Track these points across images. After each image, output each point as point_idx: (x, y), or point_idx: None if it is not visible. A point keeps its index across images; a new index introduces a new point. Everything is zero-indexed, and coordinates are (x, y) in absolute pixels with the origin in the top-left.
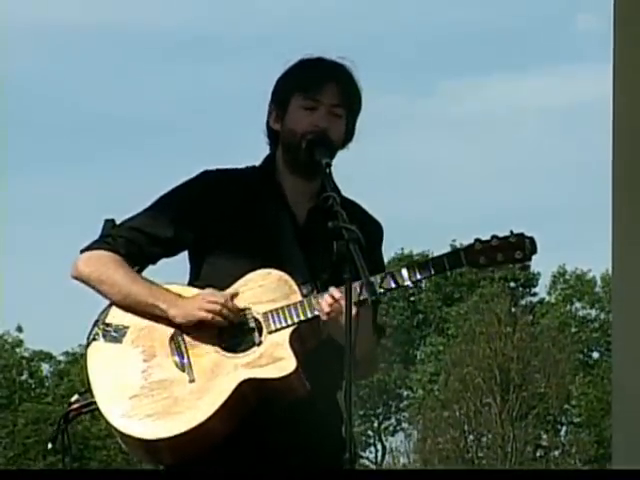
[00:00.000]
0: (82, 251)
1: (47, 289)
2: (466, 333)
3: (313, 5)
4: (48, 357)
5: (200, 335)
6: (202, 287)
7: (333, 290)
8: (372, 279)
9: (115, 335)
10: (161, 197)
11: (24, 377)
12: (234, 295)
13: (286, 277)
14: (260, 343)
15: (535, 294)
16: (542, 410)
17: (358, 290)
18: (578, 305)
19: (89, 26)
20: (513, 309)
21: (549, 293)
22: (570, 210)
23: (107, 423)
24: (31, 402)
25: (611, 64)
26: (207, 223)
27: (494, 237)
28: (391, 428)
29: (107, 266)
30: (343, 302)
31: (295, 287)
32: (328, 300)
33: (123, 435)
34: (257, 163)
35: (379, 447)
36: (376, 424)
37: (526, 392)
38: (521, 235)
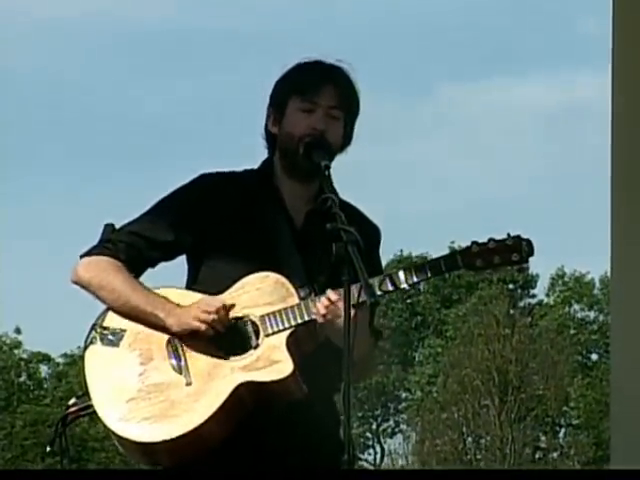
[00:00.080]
0: (82, 256)
1: (45, 290)
2: (464, 335)
3: (312, 7)
4: (46, 359)
5: (197, 340)
6: (200, 290)
7: (330, 292)
8: (370, 281)
9: (112, 339)
10: (160, 201)
11: (22, 379)
12: (230, 306)
13: (283, 280)
14: (257, 346)
15: (534, 296)
16: (541, 412)
17: (356, 292)
18: (577, 307)
19: (89, 27)
20: (511, 311)
21: (548, 295)
22: (569, 212)
23: (104, 426)
24: (29, 404)
25: (610, 66)
26: (205, 226)
27: (491, 240)
28: (389, 430)
29: (107, 272)
30: (340, 304)
31: (292, 290)
32: (324, 302)
33: (120, 438)
34: (255, 167)
35: (377, 449)
36: (374, 426)
37: (524, 394)
38: (518, 237)
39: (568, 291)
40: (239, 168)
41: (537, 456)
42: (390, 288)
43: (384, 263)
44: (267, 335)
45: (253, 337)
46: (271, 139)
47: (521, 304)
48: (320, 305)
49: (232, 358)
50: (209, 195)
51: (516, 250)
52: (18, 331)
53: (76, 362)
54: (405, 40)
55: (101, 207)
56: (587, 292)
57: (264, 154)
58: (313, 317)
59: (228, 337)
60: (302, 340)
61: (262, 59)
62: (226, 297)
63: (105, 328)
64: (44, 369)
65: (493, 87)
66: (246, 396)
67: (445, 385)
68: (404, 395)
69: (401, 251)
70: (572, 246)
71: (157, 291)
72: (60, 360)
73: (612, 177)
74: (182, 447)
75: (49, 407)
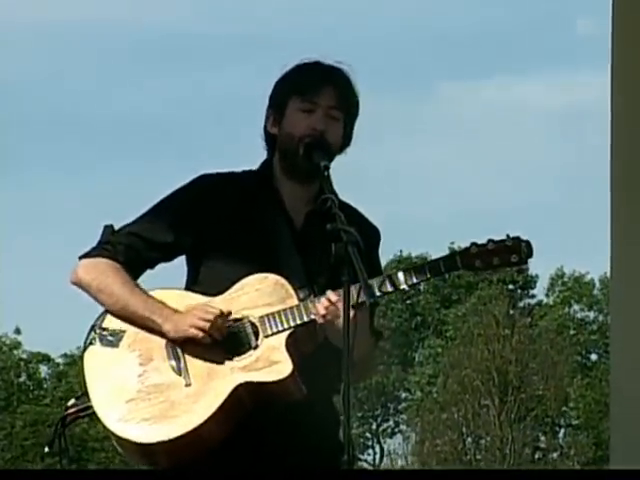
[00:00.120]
0: (81, 257)
1: (45, 291)
2: (464, 335)
3: (311, 8)
4: (46, 359)
5: (194, 345)
6: (200, 291)
7: (330, 293)
8: (370, 282)
9: (111, 339)
10: (159, 202)
11: (22, 379)
12: (228, 312)
13: (283, 281)
14: (256, 347)
15: (533, 296)
16: (540, 412)
17: (355, 293)
18: (576, 307)
19: (89, 28)
20: (511, 311)
21: (547, 295)
22: (568, 212)
23: (104, 427)
24: (29, 404)
25: (609, 66)
26: (205, 227)
27: (490, 241)
28: (389, 430)
29: (106, 275)
30: (340, 305)
31: (292, 291)
32: (324, 303)
33: (120, 439)
34: (254, 168)
35: (377, 449)
36: (374, 426)
37: (524, 394)
38: (517, 239)
39: (568, 291)
40: (238, 169)
41: (537, 456)
42: (390, 289)
43: (384, 264)
44: (266, 336)
45: (252, 338)
46: (270, 140)
47: (521, 304)
48: (320, 306)
49: (231, 359)
50: (208, 196)
51: (515, 251)
52: (18, 331)
53: (76, 362)
54: (405, 40)
55: (101, 208)
56: (587, 292)
57: (263, 155)
58: (312, 318)
59: (227, 338)
60: (301, 341)
61: (262, 60)
62: (225, 298)
63: (104, 329)
64: (44, 369)
65: (493, 87)
66: (245, 397)
67: (445, 385)
68: (404, 395)
69: (400, 251)
70: (572, 246)
71: (156, 292)
72: (60, 360)
73: (612, 177)
74: (181, 448)
75: (49, 407)
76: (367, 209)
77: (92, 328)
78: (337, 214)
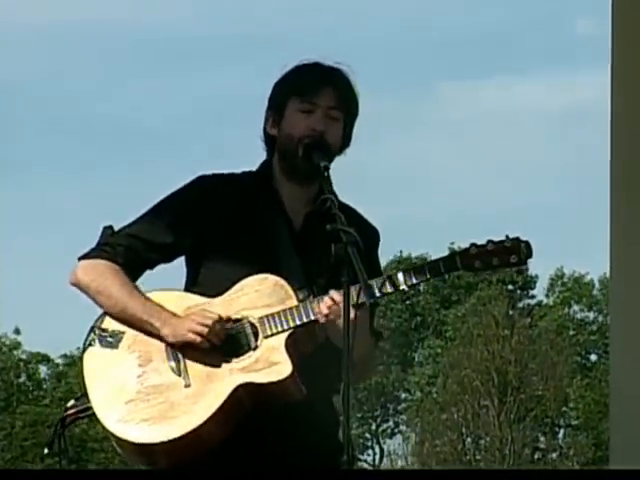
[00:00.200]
0: (80, 258)
1: (45, 291)
2: (464, 336)
3: (311, 8)
4: (46, 359)
5: (193, 349)
6: (199, 292)
7: (333, 293)
8: (370, 282)
9: (111, 340)
10: (158, 203)
11: (22, 379)
12: (227, 318)
13: (282, 282)
14: (256, 347)
15: (533, 297)
16: (540, 412)
17: (355, 293)
18: (576, 308)
19: (88, 29)
20: (511, 312)
21: (547, 296)
22: (568, 212)
23: (103, 428)
24: (29, 404)
25: (609, 66)
26: (204, 228)
27: (489, 241)
28: (389, 431)
29: (105, 277)
30: (342, 305)
31: (291, 292)
32: (328, 302)
33: (119, 440)
34: (254, 169)
35: (377, 450)
36: (374, 426)
37: (524, 394)
38: (516, 239)
39: (567, 292)
40: (238, 170)
41: (536, 457)
42: (389, 289)
43: (384, 264)
44: (266, 337)
45: (252, 339)
46: (270, 141)
47: (520, 305)
48: (323, 305)
49: (231, 360)
50: (207, 197)
51: (515, 252)
52: (17, 332)
53: (75, 363)
54: (405, 40)
55: (101, 208)
56: (586, 293)
57: (263, 156)
58: (313, 318)
59: (227, 339)
60: (301, 341)
61: (261, 61)
62: (225, 299)
63: (104, 330)
64: (43, 370)
65: (493, 87)
66: (245, 397)
67: (444, 386)
68: (403, 396)
69: (400, 252)
70: (571, 247)
71: (156, 293)
72: (59, 361)
73: (611, 177)
74: (181, 448)
75: (48, 408)
76: (367, 210)
77: (91, 329)
78: (337, 214)
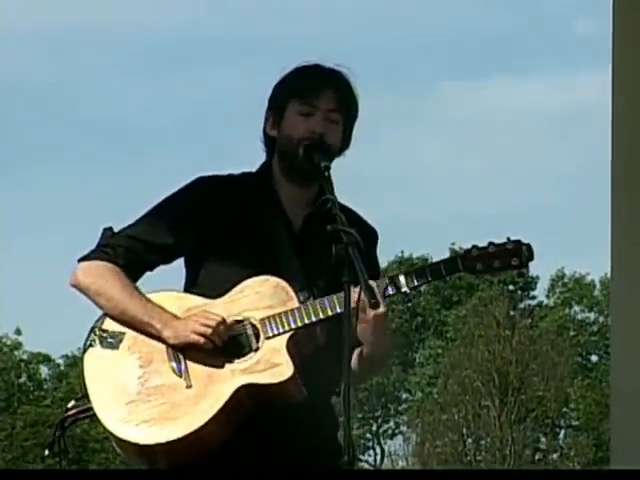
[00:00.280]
0: (80, 260)
1: (46, 291)
2: (465, 336)
3: (311, 9)
4: (47, 360)
5: (194, 350)
6: (199, 294)
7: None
8: (371, 283)
9: (111, 341)
10: (157, 204)
11: (23, 380)
12: (230, 322)
13: (283, 284)
14: (257, 349)
15: (534, 297)
16: (541, 413)
17: (355, 294)
18: (577, 308)
19: (88, 29)
20: (512, 312)
21: (548, 296)
22: (569, 213)
23: (104, 429)
24: (29, 405)
25: (610, 66)
26: (204, 229)
27: (491, 244)
28: (390, 431)
29: (105, 279)
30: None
31: (292, 294)
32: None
33: (120, 440)
34: (253, 170)
35: (378, 450)
36: (375, 427)
37: (525, 395)
38: (518, 242)
39: (568, 292)
40: (238, 170)
41: (537, 457)
42: (391, 291)
43: (384, 264)
44: (267, 338)
45: (253, 340)
46: (270, 142)
47: (521, 305)
48: (355, 294)
49: (232, 361)
50: (207, 198)
51: (516, 254)
52: (18, 332)
53: (76, 363)
54: (405, 40)
55: (102, 209)
56: (587, 293)
57: (262, 157)
58: (314, 319)
59: (228, 340)
60: (302, 343)
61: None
62: (225, 300)
63: (104, 331)
64: (44, 370)
65: (493, 87)
66: (246, 399)
67: (445, 386)
68: (404, 396)
69: (402, 252)
70: (572, 247)
71: (156, 294)
72: (60, 361)
73: (612, 177)
74: (181, 450)
75: (49, 408)
76: (367, 210)
77: (92, 330)
78: (338, 215)
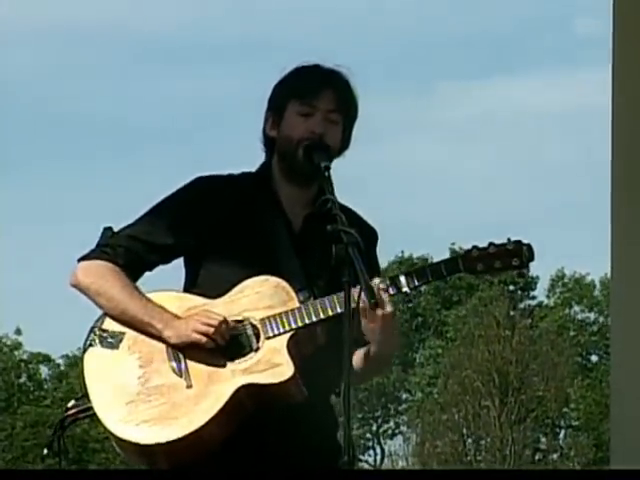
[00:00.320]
0: (80, 260)
1: (46, 291)
2: (465, 336)
3: (311, 9)
4: (47, 360)
5: (196, 350)
6: (199, 294)
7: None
8: (371, 283)
9: (111, 341)
10: (157, 204)
11: (23, 380)
12: (228, 322)
13: (283, 284)
14: (258, 349)
15: (534, 297)
16: (541, 413)
17: (356, 294)
18: (577, 308)
19: (88, 30)
20: (512, 312)
21: (548, 296)
22: (569, 213)
23: (104, 429)
24: (30, 405)
25: (610, 66)
26: (203, 229)
27: (491, 244)
28: (390, 431)
29: (105, 279)
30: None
31: (292, 294)
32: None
33: (120, 440)
34: (253, 170)
35: (378, 450)
36: (375, 427)
37: (525, 395)
38: (518, 242)
39: (568, 292)
40: (237, 170)
41: (537, 457)
42: (392, 291)
43: (385, 265)
44: (268, 338)
45: (254, 340)
46: (269, 143)
47: (521, 305)
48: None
49: (233, 361)
50: (206, 198)
51: (516, 255)
52: (18, 332)
53: (77, 363)
54: (405, 41)
55: (102, 209)
56: (587, 293)
57: (262, 157)
58: (315, 319)
59: (229, 340)
60: (302, 343)
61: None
62: (225, 300)
63: (104, 330)
64: (44, 370)
65: (493, 88)
66: (246, 399)
67: (445, 386)
68: (404, 396)
69: (402, 252)
70: (572, 247)
71: (155, 294)
72: (60, 361)
73: (612, 178)
74: (182, 450)
75: (49, 408)
76: (368, 210)
77: (92, 330)
78: (338, 215)
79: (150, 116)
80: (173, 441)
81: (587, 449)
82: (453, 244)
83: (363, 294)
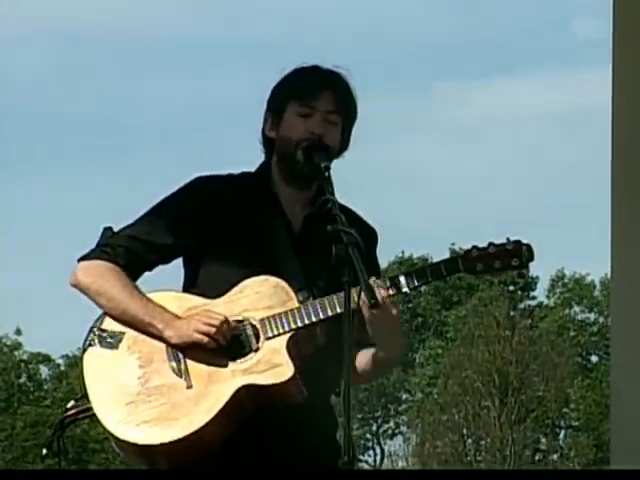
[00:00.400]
0: (80, 259)
1: (46, 291)
2: (465, 336)
3: (311, 10)
4: (47, 360)
5: (196, 350)
6: (198, 294)
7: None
8: (371, 284)
9: (111, 341)
10: (157, 204)
11: (23, 380)
12: (228, 322)
13: (283, 284)
14: (257, 349)
15: (534, 298)
16: (541, 413)
17: (356, 295)
18: (577, 309)
19: (88, 30)
20: (512, 313)
21: (548, 297)
22: (569, 213)
23: (104, 429)
24: (30, 405)
25: (610, 66)
26: (203, 229)
27: (491, 244)
28: (390, 431)
29: (105, 278)
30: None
31: (292, 294)
32: (385, 292)
33: (120, 441)
34: (252, 170)
35: (378, 450)
36: (375, 427)
37: (525, 395)
38: (518, 242)
39: (568, 293)
40: (237, 170)
41: (537, 457)
42: (391, 292)
43: (386, 265)
44: (267, 338)
45: (253, 340)
46: (268, 144)
47: (521, 306)
48: (383, 291)
49: (233, 361)
50: (206, 198)
51: (516, 255)
52: (18, 332)
53: (77, 363)
54: (405, 41)
55: (102, 208)
56: (587, 294)
57: (261, 157)
58: (314, 320)
59: (229, 340)
60: (302, 343)
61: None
62: (225, 300)
63: (104, 330)
64: (44, 370)
65: (494, 88)
66: (246, 399)
67: (445, 387)
68: (404, 397)
69: (402, 253)
70: (572, 248)
71: (154, 294)
72: (60, 361)
73: (612, 178)
74: (182, 450)
75: (49, 408)
76: (368, 211)
77: (91, 329)
78: (338, 215)
79: (150, 116)
80: (174, 442)
81: (587, 449)
82: (453, 244)
83: (363, 294)
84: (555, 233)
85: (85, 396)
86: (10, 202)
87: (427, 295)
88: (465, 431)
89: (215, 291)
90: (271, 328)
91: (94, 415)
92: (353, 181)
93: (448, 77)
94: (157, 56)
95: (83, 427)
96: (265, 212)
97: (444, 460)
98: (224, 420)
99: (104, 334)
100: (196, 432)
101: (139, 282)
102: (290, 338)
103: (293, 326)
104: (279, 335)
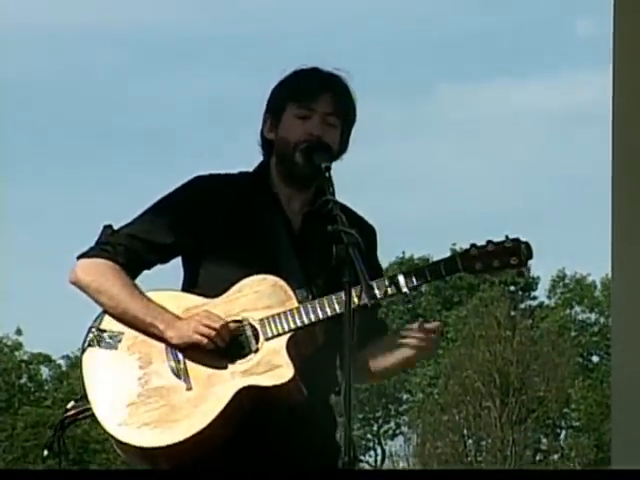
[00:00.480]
0: (79, 257)
1: (46, 292)
2: (465, 337)
3: (311, 10)
4: (47, 360)
5: (196, 350)
6: (197, 293)
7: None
8: (371, 284)
9: (110, 341)
10: (156, 203)
11: (23, 380)
12: (228, 322)
13: (282, 283)
14: (257, 350)
15: (535, 298)
16: (541, 414)
17: (356, 295)
18: (578, 309)
19: (88, 30)
20: (513, 313)
21: (549, 297)
22: (570, 214)
23: (104, 431)
24: (30, 405)
25: (610, 67)
26: (202, 228)
27: (490, 242)
28: (390, 432)
29: (105, 277)
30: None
31: (291, 293)
32: (430, 326)
33: (120, 443)
34: (250, 169)
35: (378, 451)
36: (375, 428)
37: (525, 396)
38: (517, 240)
39: (569, 293)
40: (236, 170)
41: (538, 458)
42: (391, 291)
43: (386, 265)
44: (267, 339)
45: (253, 341)
46: (267, 145)
47: (522, 306)
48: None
49: (232, 362)
50: (205, 197)
51: (515, 253)
52: (19, 332)
53: (77, 364)
54: (406, 42)
55: (102, 208)
56: (588, 294)
57: (260, 157)
58: (314, 320)
59: (228, 341)
60: (302, 343)
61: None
62: (224, 300)
63: (102, 331)
64: (45, 371)
65: (494, 89)
66: (247, 400)
67: (446, 387)
68: (405, 397)
69: (403, 253)
70: (573, 248)
71: (153, 294)
72: (61, 362)
73: (613, 178)
74: (182, 452)
75: (50, 409)
76: (368, 211)
77: (90, 329)
78: (338, 215)
79: (149, 116)
80: (174, 444)
81: (588, 450)
82: (454, 244)
83: (363, 294)
84: (556, 233)
85: (85, 396)
86: (10, 202)
87: (428, 295)
88: (466, 431)
89: (214, 291)
90: (270, 328)
91: (94, 415)
92: (353, 181)
93: (448, 77)
94: (157, 56)
95: (84, 427)
96: (264, 211)
97: (445, 460)
98: (224, 422)
99: (103, 334)
100: (196, 434)
101: (138, 281)
102: (290, 338)
103: (293, 326)
104: (279, 335)
